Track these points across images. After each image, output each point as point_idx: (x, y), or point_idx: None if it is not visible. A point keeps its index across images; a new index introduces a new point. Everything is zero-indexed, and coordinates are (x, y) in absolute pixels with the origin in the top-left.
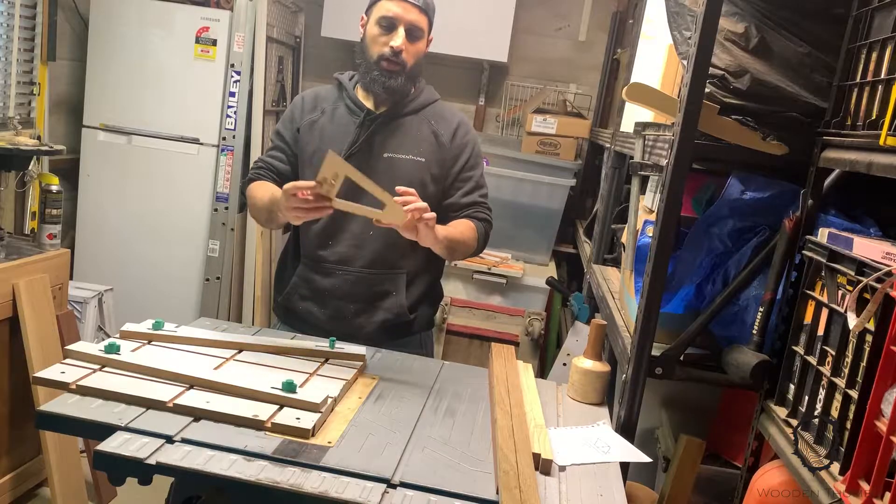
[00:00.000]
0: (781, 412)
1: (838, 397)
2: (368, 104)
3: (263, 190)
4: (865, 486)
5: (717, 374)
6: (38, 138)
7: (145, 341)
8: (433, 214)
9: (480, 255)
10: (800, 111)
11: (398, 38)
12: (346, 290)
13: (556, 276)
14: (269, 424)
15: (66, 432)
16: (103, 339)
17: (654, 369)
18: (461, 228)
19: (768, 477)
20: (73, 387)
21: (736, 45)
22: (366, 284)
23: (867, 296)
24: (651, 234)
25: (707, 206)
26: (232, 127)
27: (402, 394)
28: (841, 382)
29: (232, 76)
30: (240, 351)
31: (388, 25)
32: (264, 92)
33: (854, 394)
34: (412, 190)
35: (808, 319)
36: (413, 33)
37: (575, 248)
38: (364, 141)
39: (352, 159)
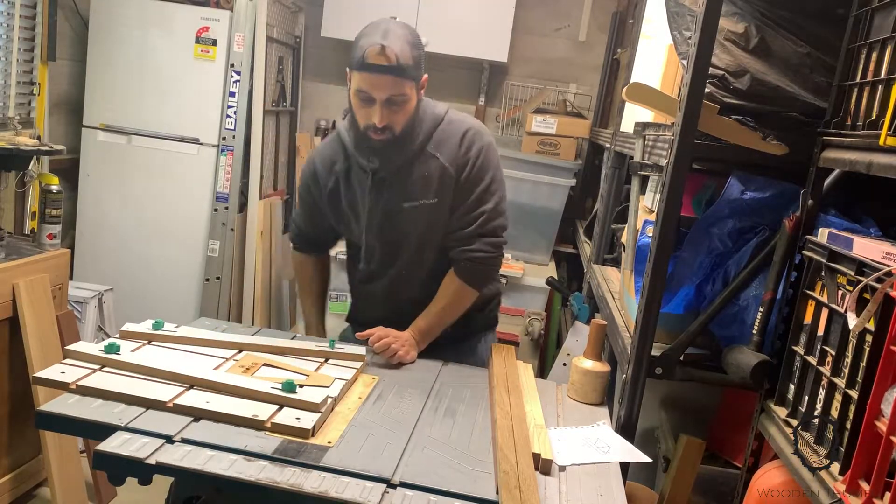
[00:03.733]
0: (781, 412)
1: (838, 397)
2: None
3: (304, 283)
4: (865, 486)
5: (717, 374)
6: (38, 138)
7: (145, 341)
8: (400, 348)
9: None
10: (800, 111)
11: (376, 116)
12: (395, 320)
13: (556, 276)
14: (269, 424)
15: (66, 432)
16: (103, 339)
17: (654, 369)
18: (441, 304)
19: (768, 477)
20: (73, 387)
21: (736, 45)
22: (411, 317)
23: (867, 296)
24: (651, 234)
25: (707, 206)
26: (232, 127)
27: (402, 394)
28: (841, 382)
29: (232, 76)
30: (240, 351)
31: (366, 99)
32: (264, 92)
33: (854, 394)
34: (377, 335)
35: (808, 319)
36: (394, 102)
37: (575, 248)
38: (380, 199)
39: (375, 216)
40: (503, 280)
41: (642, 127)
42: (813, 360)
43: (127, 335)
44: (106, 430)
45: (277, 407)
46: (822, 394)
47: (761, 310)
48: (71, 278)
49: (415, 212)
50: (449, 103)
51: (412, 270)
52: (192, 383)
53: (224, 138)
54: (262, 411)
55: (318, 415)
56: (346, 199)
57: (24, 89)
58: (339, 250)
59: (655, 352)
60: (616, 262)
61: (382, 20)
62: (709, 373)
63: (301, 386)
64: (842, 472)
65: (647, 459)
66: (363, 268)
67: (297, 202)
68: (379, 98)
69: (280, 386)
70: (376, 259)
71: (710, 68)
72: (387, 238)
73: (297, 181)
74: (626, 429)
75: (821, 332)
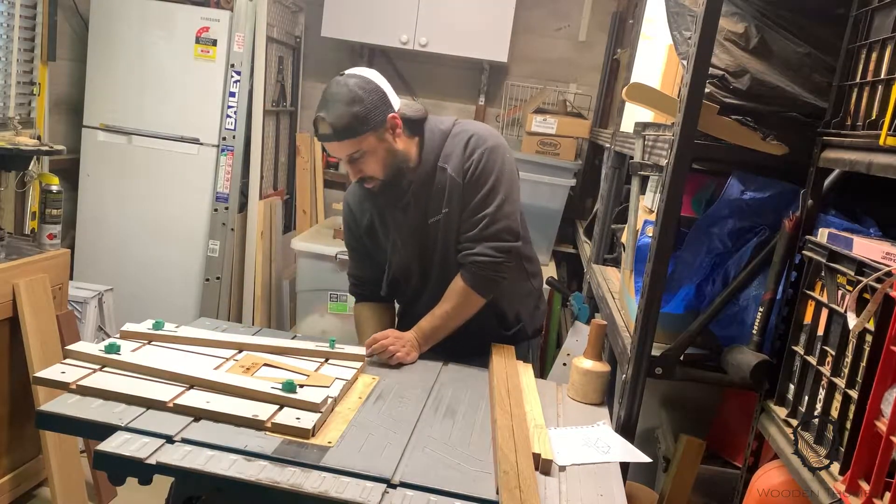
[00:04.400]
0: (781, 412)
1: (838, 397)
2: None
3: (366, 329)
4: (865, 486)
5: (717, 374)
6: (38, 138)
7: (145, 341)
8: (399, 349)
9: None
10: (800, 111)
11: (350, 173)
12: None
13: (556, 276)
14: (269, 424)
15: (66, 432)
16: (103, 339)
17: (654, 369)
18: (445, 308)
19: (768, 477)
20: (74, 387)
21: (736, 45)
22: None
23: (867, 296)
24: (651, 234)
25: (707, 206)
26: (232, 127)
27: (402, 394)
28: (841, 382)
29: (232, 76)
30: (240, 351)
31: (339, 159)
32: (264, 92)
33: (854, 394)
34: (374, 336)
35: (808, 319)
36: (356, 160)
37: (575, 248)
38: (408, 221)
39: (407, 238)
40: None
41: (642, 127)
42: (813, 360)
43: (127, 335)
44: (106, 430)
45: (277, 407)
46: (822, 394)
47: (761, 310)
48: (71, 278)
49: (437, 225)
50: (449, 103)
51: (446, 282)
52: (193, 383)
53: (224, 138)
54: (263, 411)
55: (319, 415)
56: (382, 231)
57: (24, 89)
58: (339, 249)
59: (655, 352)
60: (616, 262)
61: (330, 83)
62: (709, 373)
63: (301, 386)
64: (842, 472)
65: (647, 459)
66: (406, 290)
67: (348, 253)
68: (342, 159)
69: (280, 386)
70: (415, 278)
71: (710, 68)
72: (419, 256)
73: (296, 181)
74: (626, 429)
75: (821, 332)
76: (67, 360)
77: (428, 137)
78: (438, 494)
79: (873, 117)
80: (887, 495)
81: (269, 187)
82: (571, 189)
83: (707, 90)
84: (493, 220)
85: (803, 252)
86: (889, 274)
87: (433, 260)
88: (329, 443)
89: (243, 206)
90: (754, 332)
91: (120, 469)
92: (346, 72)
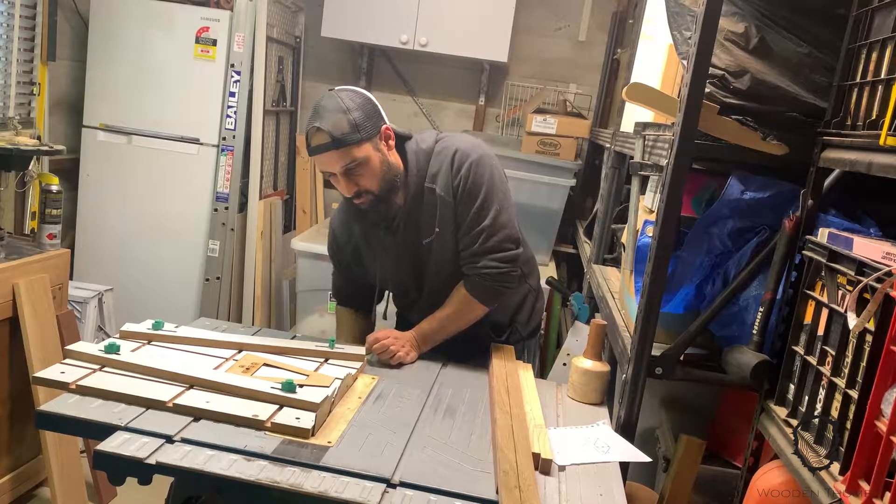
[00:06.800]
0: (781, 412)
1: (838, 397)
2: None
3: (344, 329)
4: (865, 486)
5: (717, 374)
6: (38, 138)
7: (145, 341)
8: (399, 349)
9: None
10: (800, 111)
11: (343, 188)
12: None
13: (556, 276)
14: (268, 424)
15: (66, 432)
16: (103, 339)
17: (654, 369)
18: (447, 312)
19: (768, 477)
20: (73, 387)
21: (736, 45)
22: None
23: (867, 296)
24: (651, 234)
25: (707, 206)
26: (232, 127)
27: (402, 394)
28: (841, 382)
29: (232, 76)
30: (240, 351)
31: (330, 176)
32: (264, 92)
33: (854, 394)
34: (375, 336)
35: (808, 319)
36: (352, 171)
37: (575, 248)
38: (400, 243)
39: (400, 259)
40: None
41: (642, 127)
42: (813, 360)
43: (127, 335)
44: (106, 430)
45: (277, 407)
46: (822, 394)
47: (761, 310)
48: (71, 278)
49: (430, 246)
50: (449, 103)
51: (441, 293)
52: (192, 383)
53: (224, 138)
54: (262, 411)
55: (318, 414)
56: (369, 257)
57: (24, 89)
58: None
59: (655, 352)
60: (616, 262)
61: (320, 98)
62: (709, 373)
63: (301, 386)
64: (842, 472)
65: (647, 459)
66: (402, 303)
67: (333, 269)
68: (337, 172)
69: (280, 386)
70: (410, 292)
71: (710, 68)
72: (413, 274)
73: (296, 181)
74: (626, 429)
75: (821, 332)
76: (67, 360)
77: (411, 158)
78: (438, 494)
79: (873, 117)
80: (887, 495)
81: (269, 187)
82: (571, 189)
83: (707, 90)
84: (491, 233)
85: (803, 252)
86: (889, 274)
87: (427, 276)
88: (329, 443)
89: (243, 206)
90: (754, 332)
91: (120, 469)
92: (336, 88)
